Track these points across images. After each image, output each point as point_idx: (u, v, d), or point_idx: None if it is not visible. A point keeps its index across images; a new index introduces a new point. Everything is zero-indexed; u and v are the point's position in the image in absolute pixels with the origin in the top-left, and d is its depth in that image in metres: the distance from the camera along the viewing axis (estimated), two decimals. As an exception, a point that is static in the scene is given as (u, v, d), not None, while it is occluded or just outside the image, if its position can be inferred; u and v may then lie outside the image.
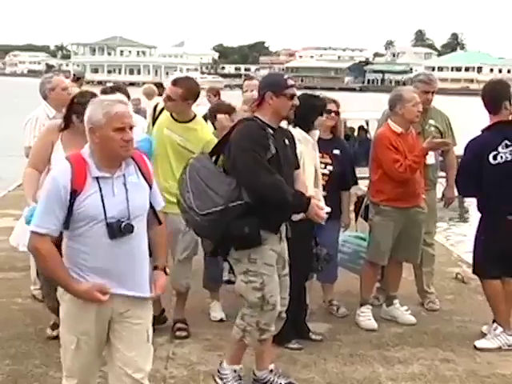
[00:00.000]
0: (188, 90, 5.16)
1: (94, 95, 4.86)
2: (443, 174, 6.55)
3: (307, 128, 5.23)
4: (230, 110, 5.88)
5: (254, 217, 4.07)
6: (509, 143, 5.22)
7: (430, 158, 6.02)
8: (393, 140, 5.58)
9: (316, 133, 5.42)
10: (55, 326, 4.83)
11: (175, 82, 5.23)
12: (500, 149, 5.23)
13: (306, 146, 5.13)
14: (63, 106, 5.95)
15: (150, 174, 3.48)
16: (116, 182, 3.30)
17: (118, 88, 6.83)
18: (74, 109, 4.78)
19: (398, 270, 6.01)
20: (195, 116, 5.30)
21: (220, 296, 5.94)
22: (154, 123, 5.39)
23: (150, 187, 3.46)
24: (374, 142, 5.80)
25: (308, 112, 5.19)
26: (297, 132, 5.01)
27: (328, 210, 4.47)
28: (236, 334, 4.38)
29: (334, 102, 5.86)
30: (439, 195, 6.49)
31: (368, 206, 5.93)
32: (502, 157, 5.23)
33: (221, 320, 5.71)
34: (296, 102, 4.36)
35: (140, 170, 3.42)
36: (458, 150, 6.30)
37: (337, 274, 5.98)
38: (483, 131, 5.42)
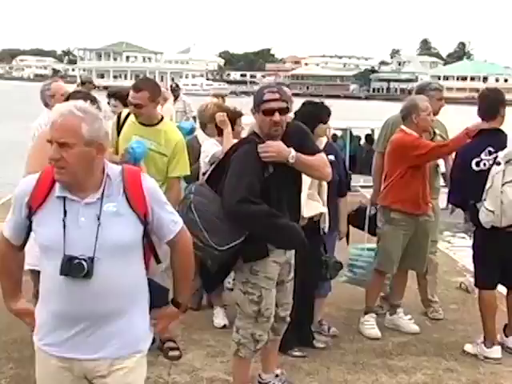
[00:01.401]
0: (154, 90, 5.00)
1: (87, 94, 4.82)
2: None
3: None
4: (234, 115, 5.84)
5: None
6: (492, 150, 5.21)
7: (442, 166, 6.04)
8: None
9: (322, 140, 5.39)
10: None
11: (138, 89, 4.95)
12: (483, 156, 5.23)
13: None
14: None
15: (144, 199, 2.71)
16: (84, 210, 2.65)
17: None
18: None
19: (403, 279, 6.00)
20: (162, 118, 5.13)
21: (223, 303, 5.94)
22: (118, 133, 5.13)
23: (142, 217, 2.70)
24: (396, 142, 5.59)
25: (305, 120, 5.13)
26: None
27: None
28: (232, 347, 4.36)
29: None
30: (441, 204, 6.46)
31: (371, 217, 5.91)
32: (484, 164, 5.23)
33: (224, 326, 5.71)
34: (276, 117, 3.95)
35: (127, 195, 2.69)
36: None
37: (330, 288, 5.71)
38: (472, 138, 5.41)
